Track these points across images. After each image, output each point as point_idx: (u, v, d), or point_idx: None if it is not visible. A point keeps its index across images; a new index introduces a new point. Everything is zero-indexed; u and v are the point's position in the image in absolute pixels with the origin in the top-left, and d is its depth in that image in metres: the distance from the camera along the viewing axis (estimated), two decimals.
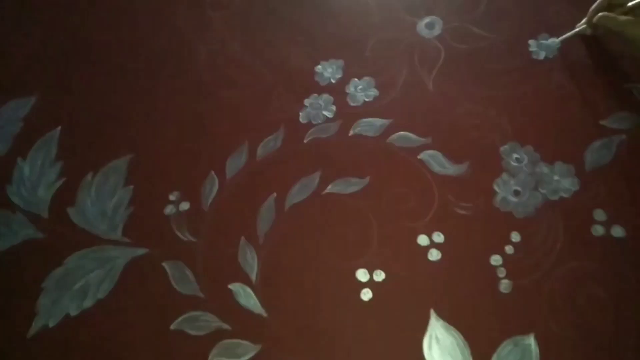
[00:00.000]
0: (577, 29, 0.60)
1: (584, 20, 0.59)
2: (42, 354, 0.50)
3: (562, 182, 0.53)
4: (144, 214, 0.57)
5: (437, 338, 0.47)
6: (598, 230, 0.50)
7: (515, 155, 0.55)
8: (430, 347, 0.46)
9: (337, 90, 0.62)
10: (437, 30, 0.65)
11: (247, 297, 0.50)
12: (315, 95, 0.62)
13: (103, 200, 0.58)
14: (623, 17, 0.53)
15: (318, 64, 0.65)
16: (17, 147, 0.64)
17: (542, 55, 0.61)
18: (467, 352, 0.46)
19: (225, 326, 0.49)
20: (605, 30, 0.57)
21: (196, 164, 0.59)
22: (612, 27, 0.54)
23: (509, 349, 0.46)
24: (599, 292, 0.47)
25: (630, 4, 0.54)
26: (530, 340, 0.46)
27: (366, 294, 0.49)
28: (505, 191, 0.53)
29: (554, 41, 0.61)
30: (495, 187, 0.53)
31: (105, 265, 0.54)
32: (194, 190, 0.57)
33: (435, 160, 0.56)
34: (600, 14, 0.55)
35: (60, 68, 0.70)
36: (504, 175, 0.54)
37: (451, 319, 0.47)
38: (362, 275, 0.50)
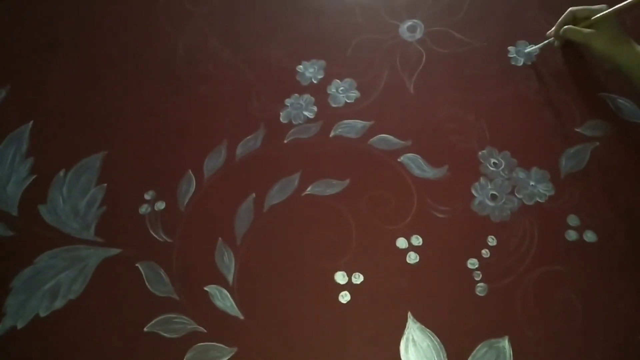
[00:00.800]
0: (545, 42, 0.61)
1: (551, 32, 0.60)
2: (9, 357, 0.48)
3: (537, 187, 0.54)
4: (117, 213, 0.55)
5: (413, 340, 0.47)
6: (571, 235, 0.51)
7: (493, 160, 0.56)
8: (407, 349, 0.47)
9: (319, 91, 0.62)
10: (418, 34, 0.66)
11: (223, 299, 0.50)
12: (297, 95, 0.62)
13: (75, 198, 0.56)
14: (587, 30, 0.55)
15: (300, 63, 0.65)
16: None
17: (520, 61, 0.62)
18: (443, 354, 0.46)
19: (201, 329, 0.48)
20: (571, 42, 0.59)
21: (173, 162, 0.58)
22: (577, 40, 0.57)
23: (483, 351, 0.46)
24: (571, 296, 0.48)
25: (593, 17, 0.55)
26: (505, 343, 0.46)
27: (344, 297, 0.49)
28: (483, 195, 0.54)
29: (531, 48, 0.62)
30: (473, 191, 0.54)
31: (77, 265, 0.52)
32: (170, 190, 0.56)
33: (415, 164, 0.56)
34: (565, 27, 0.57)
35: (32, 61, 0.68)
36: (482, 180, 0.55)
37: (428, 321, 0.48)
38: (340, 277, 0.50)
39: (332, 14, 0.69)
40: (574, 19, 0.58)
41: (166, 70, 0.65)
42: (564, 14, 0.58)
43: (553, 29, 0.60)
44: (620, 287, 0.48)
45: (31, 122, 0.62)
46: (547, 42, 0.61)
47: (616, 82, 0.59)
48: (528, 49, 0.62)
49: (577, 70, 0.61)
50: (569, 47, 0.62)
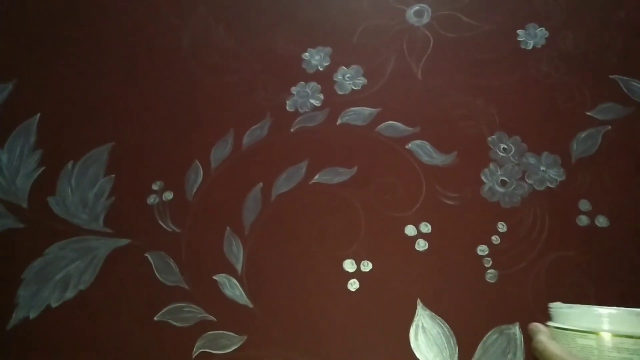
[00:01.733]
0: None
1: None
2: (22, 346, 0.49)
3: (548, 172, 0.53)
4: (126, 204, 0.55)
5: (423, 327, 0.47)
6: (583, 220, 0.50)
7: (502, 146, 0.55)
8: (416, 336, 0.47)
9: (325, 78, 0.61)
10: (425, 19, 0.64)
11: (232, 288, 0.50)
12: (303, 83, 0.61)
13: (84, 189, 0.56)
14: None
15: (305, 51, 0.64)
16: None
17: (530, 44, 0.61)
18: (453, 341, 0.46)
19: (211, 317, 0.49)
20: None
21: (180, 152, 0.58)
22: None
23: (494, 338, 0.46)
24: (583, 280, 0.48)
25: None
26: (515, 329, 0.46)
27: (353, 285, 0.49)
28: (493, 181, 0.53)
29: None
30: (483, 177, 0.53)
31: (86, 255, 0.53)
32: (178, 180, 0.56)
33: (423, 150, 0.55)
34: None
35: (39, 54, 0.68)
36: (491, 166, 0.54)
37: (438, 308, 0.48)
38: (349, 265, 0.50)
39: (338, 0, 0.68)
40: None
41: (172, 61, 0.65)
42: None
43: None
44: (633, 271, 0.47)
45: (38, 115, 0.62)
46: None
47: (628, 64, 0.58)
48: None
49: (588, 52, 0.60)
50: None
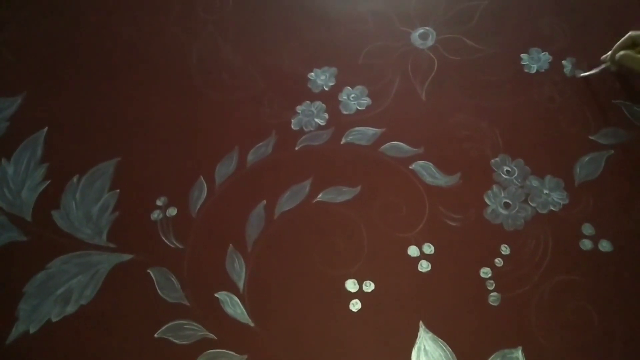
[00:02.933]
0: (601, 67, 0.58)
1: (607, 56, 0.57)
2: None
3: (551, 195, 0.53)
4: (129, 219, 0.56)
5: (425, 350, 0.47)
6: (586, 244, 0.50)
7: (506, 168, 0.55)
8: (418, 359, 0.46)
9: (330, 98, 0.62)
10: (430, 41, 0.65)
11: (234, 306, 0.50)
12: (308, 102, 0.62)
13: (88, 204, 0.57)
14: None
15: (311, 70, 0.65)
16: (2, 147, 0.62)
17: (534, 68, 0.62)
18: None
19: (211, 335, 0.48)
20: (627, 68, 0.55)
21: (185, 168, 0.58)
22: (634, 66, 0.53)
23: None
24: (586, 305, 0.47)
25: None
26: (519, 354, 0.46)
27: (355, 305, 0.49)
28: (496, 203, 0.53)
29: (585, 73, 0.60)
30: (486, 199, 0.54)
31: (89, 270, 0.53)
32: (182, 196, 0.56)
33: (427, 171, 0.56)
34: (622, 52, 0.54)
35: (48, 68, 0.69)
36: (495, 188, 0.54)
37: (440, 331, 0.47)
38: (351, 285, 0.50)
39: (344, 21, 0.69)
40: (632, 44, 0.54)
41: (179, 77, 0.66)
42: (623, 38, 0.55)
43: (609, 53, 0.57)
44: (637, 297, 0.47)
45: (46, 129, 0.63)
46: (603, 68, 0.58)
47: (631, 89, 0.58)
48: (582, 74, 0.60)
49: (591, 77, 0.60)
50: (623, 73, 0.59)
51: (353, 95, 0.62)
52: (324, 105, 0.62)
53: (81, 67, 0.68)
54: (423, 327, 0.47)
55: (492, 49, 0.64)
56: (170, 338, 0.49)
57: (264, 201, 0.55)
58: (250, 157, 0.58)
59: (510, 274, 0.49)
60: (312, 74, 0.64)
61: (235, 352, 0.47)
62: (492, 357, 0.46)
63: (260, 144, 0.59)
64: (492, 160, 0.56)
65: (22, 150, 0.61)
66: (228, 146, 0.59)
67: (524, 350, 0.46)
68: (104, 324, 0.50)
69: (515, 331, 0.47)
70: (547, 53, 0.62)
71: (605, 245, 0.50)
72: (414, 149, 0.57)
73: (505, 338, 0.46)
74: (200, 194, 0.56)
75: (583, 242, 0.50)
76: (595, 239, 0.50)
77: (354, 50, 0.66)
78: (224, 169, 0.58)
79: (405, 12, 0.69)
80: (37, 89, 0.67)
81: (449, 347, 0.46)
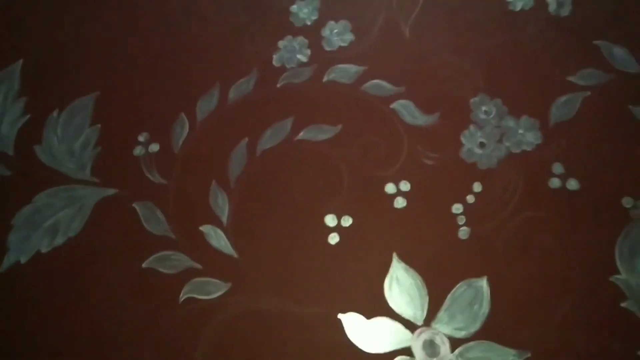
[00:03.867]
0: None
1: None
2: (14, 289, 0.51)
3: (526, 135, 0.55)
4: (112, 154, 0.56)
5: (397, 279, 0.50)
6: (555, 182, 0.53)
7: (484, 108, 0.56)
8: (390, 286, 0.50)
9: (313, 33, 0.61)
10: None
11: (218, 239, 0.52)
12: (290, 37, 0.61)
13: (70, 139, 0.57)
14: None
15: (293, 3, 0.63)
16: None
17: (518, 6, 0.61)
18: (424, 291, 0.49)
19: (197, 265, 0.51)
20: None
21: (166, 104, 0.58)
22: None
23: (462, 289, 0.49)
24: (550, 241, 0.50)
25: None
26: (483, 283, 0.49)
27: (333, 238, 0.52)
28: (472, 143, 0.55)
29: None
30: (462, 139, 0.55)
31: (74, 204, 0.54)
32: (164, 132, 0.57)
33: (407, 110, 0.56)
34: None
35: None
36: (472, 128, 0.55)
37: (411, 261, 0.50)
38: (330, 220, 0.52)
39: None
40: None
41: (159, 10, 0.64)
42: None
43: None
44: (597, 233, 0.50)
45: (21, 61, 0.61)
46: None
47: (613, 28, 0.58)
48: None
49: (575, 15, 0.60)
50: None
51: (336, 30, 0.61)
52: (306, 40, 0.61)
53: None
54: (396, 258, 0.50)
55: None
56: (158, 268, 0.51)
57: (246, 139, 0.56)
58: (232, 94, 0.58)
59: (480, 210, 0.52)
60: (295, 6, 0.63)
61: (220, 280, 0.50)
62: (458, 285, 0.49)
63: (242, 80, 0.59)
64: (471, 100, 0.56)
65: None
66: (209, 82, 0.59)
67: (488, 280, 0.49)
68: (92, 255, 0.52)
69: (482, 262, 0.50)
70: None
71: (572, 184, 0.52)
72: (396, 88, 0.57)
73: (472, 268, 0.50)
74: (182, 130, 0.57)
75: (552, 180, 0.53)
76: (563, 178, 0.53)
77: None
78: (205, 105, 0.58)
79: None
80: (10, 20, 0.64)
81: (419, 276, 0.50)
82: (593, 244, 0.50)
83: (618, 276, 0.49)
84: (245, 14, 0.63)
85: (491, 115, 0.56)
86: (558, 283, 0.49)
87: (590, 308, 0.48)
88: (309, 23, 0.62)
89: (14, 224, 0.53)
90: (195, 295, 0.50)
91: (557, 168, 0.53)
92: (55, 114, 0.58)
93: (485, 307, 0.48)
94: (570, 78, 0.57)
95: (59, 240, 0.52)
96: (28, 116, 0.58)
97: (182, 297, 0.50)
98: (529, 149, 0.54)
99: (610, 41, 0.58)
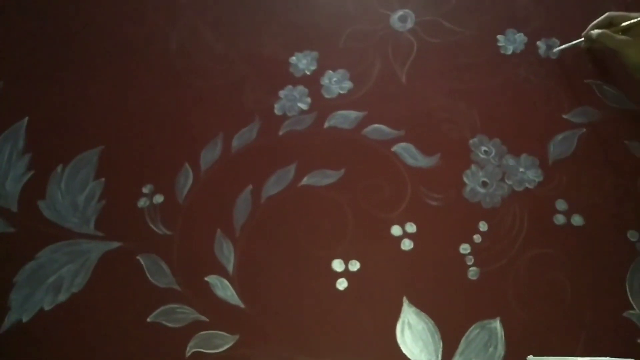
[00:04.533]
0: (575, 42, 0.60)
1: (583, 33, 0.59)
2: (16, 350, 0.49)
3: (527, 173, 0.55)
4: (116, 207, 0.56)
5: (409, 324, 0.49)
6: (559, 219, 0.53)
7: (483, 148, 0.57)
8: (402, 332, 0.49)
9: (312, 82, 0.63)
10: (409, 24, 0.66)
11: (224, 289, 0.51)
12: (290, 86, 0.63)
13: (74, 193, 0.57)
14: (621, 37, 0.54)
15: (293, 55, 0.65)
16: None
17: (510, 50, 0.63)
18: (438, 336, 0.48)
19: (203, 318, 0.50)
20: (602, 46, 0.57)
21: (170, 155, 0.59)
22: (610, 46, 0.55)
23: (476, 332, 0.48)
24: (561, 277, 0.50)
25: (624, 24, 0.54)
26: (497, 324, 0.48)
27: (342, 284, 0.51)
28: (474, 182, 0.55)
29: (558, 48, 0.62)
30: (465, 179, 0.56)
31: (78, 259, 0.53)
32: (168, 183, 0.57)
33: (408, 153, 0.57)
34: (599, 30, 0.56)
35: (26, 56, 0.67)
36: (473, 167, 0.56)
37: (423, 305, 0.50)
38: (337, 265, 0.52)
39: (324, 5, 0.69)
40: (609, 24, 0.56)
41: (160, 64, 0.66)
42: (601, 17, 0.57)
43: (587, 29, 0.58)
44: (606, 268, 0.50)
45: (26, 118, 0.62)
46: (576, 43, 0.60)
47: (602, 69, 0.60)
48: (558, 48, 0.62)
49: (565, 57, 0.62)
50: (597, 52, 0.61)
51: (335, 79, 0.63)
52: (306, 89, 0.62)
53: (60, 54, 0.67)
54: (407, 302, 0.50)
55: (470, 31, 0.65)
56: (163, 322, 0.50)
57: (250, 186, 0.56)
58: (235, 143, 0.59)
59: (488, 250, 0.52)
60: (294, 58, 0.65)
61: (227, 333, 0.49)
62: (472, 327, 0.48)
63: (244, 129, 0.60)
64: (470, 141, 0.58)
65: (4, 141, 0.61)
66: (212, 132, 0.60)
67: (501, 321, 0.48)
68: (96, 311, 0.51)
69: (494, 303, 0.49)
70: (522, 34, 0.64)
71: (577, 220, 0.53)
72: (396, 131, 0.59)
73: (484, 309, 0.49)
74: (186, 180, 0.57)
75: (557, 217, 0.53)
76: (568, 214, 0.53)
77: (334, 34, 0.66)
78: (209, 155, 0.58)
79: None
80: (15, 78, 0.66)
81: (431, 320, 0.49)
82: (603, 279, 0.50)
83: (632, 311, 0.48)
84: (246, 65, 0.65)
85: (491, 155, 0.56)
86: (572, 320, 0.48)
87: (606, 344, 0.47)
88: (308, 73, 0.64)
89: (16, 281, 0.52)
90: (202, 350, 0.48)
91: (561, 204, 0.54)
92: (59, 168, 0.58)
93: (500, 349, 0.47)
94: (566, 116, 0.58)
95: (62, 297, 0.51)
96: (32, 172, 0.59)
97: (189, 351, 0.48)
98: (531, 186, 0.55)
99: (600, 80, 0.60)
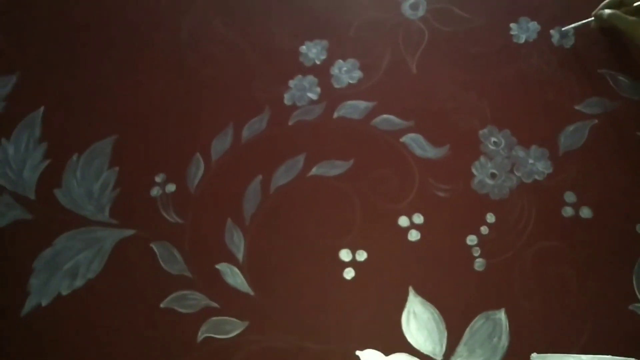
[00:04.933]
0: (584, 21, 0.60)
1: (593, 12, 0.59)
2: (36, 332, 0.52)
3: (536, 165, 0.55)
4: (130, 196, 0.58)
5: (414, 313, 0.50)
6: (568, 211, 0.53)
7: (493, 139, 0.57)
8: (408, 321, 0.49)
9: (322, 72, 0.63)
10: (421, 11, 0.66)
11: (234, 277, 0.52)
12: (300, 76, 0.63)
13: (89, 181, 0.58)
14: (632, 18, 0.54)
15: (303, 44, 0.65)
16: (0, 127, 0.63)
17: (522, 38, 0.62)
18: (443, 326, 0.49)
19: (214, 304, 0.51)
20: (611, 27, 0.57)
21: (181, 145, 0.60)
22: (620, 26, 0.54)
23: (481, 322, 0.49)
24: (567, 270, 0.50)
25: (636, 4, 0.54)
26: (501, 315, 0.49)
27: (349, 273, 0.52)
28: (483, 174, 0.55)
29: (567, 27, 0.61)
30: (473, 170, 0.56)
31: (93, 246, 0.55)
32: (180, 172, 0.58)
33: (417, 144, 0.57)
34: (610, 10, 0.55)
35: (42, 46, 0.68)
36: (482, 159, 0.56)
37: (428, 295, 0.50)
38: (345, 255, 0.53)
39: None
40: (620, 4, 0.56)
41: (171, 53, 0.66)
42: None
43: (597, 8, 0.58)
44: (614, 261, 0.50)
45: (42, 108, 0.64)
46: (586, 22, 0.59)
47: (616, 58, 0.59)
48: (564, 28, 0.61)
49: (578, 46, 0.61)
50: (606, 31, 0.60)
51: (345, 68, 0.63)
52: (316, 79, 0.62)
53: (75, 44, 0.68)
54: (412, 292, 0.51)
55: (482, 19, 0.64)
56: (176, 307, 0.51)
57: (260, 176, 0.57)
58: (245, 133, 0.60)
59: (495, 241, 0.52)
60: (304, 47, 0.65)
61: (237, 319, 0.50)
62: (476, 318, 0.49)
63: (254, 119, 0.60)
64: (480, 132, 0.57)
65: (21, 130, 0.62)
66: (222, 122, 0.60)
67: (506, 312, 0.49)
68: (111, 296, 0.53)
69: (499, 294, 0.50)
70: (535, 22, 0.63)
71: (585, 212, 0.53)
72: (405, 122, 0.59)
73: (489, 301, 0.50)
74: (197, 170, 0.58)
75: (565, 209, 0.53)
76: (576, 206, 0.53)
77: (345, 23, 0.66)
78: (220, 145, 0.59)
79: None
80: (32, 68, 0.67)
81: (436, 310, 0.50)
82: (610, 272, 0.50)
83: (637, 304, 0.48)
84: (255, 55, 0.65)
85: (501, 146, 0.56)
86: (577, 313, 0.49)
87: (610, 337, 0.47)
88: (318, 62, 0.64)
89: (35, 267, 0.54)
90: (213, 335, 0.50)
91: (570, 197, 0.53)
92: (74, 157, 0.60)
93: (504, 340, 0.48)
94: (577, 107, 0.58)
95: (79, 283, 0.53)
96: (49, 161, 0.60)
97: (200, 336, 0.50)
98: (540, 178, 0.54)
99: (614, 70, 0.59)
